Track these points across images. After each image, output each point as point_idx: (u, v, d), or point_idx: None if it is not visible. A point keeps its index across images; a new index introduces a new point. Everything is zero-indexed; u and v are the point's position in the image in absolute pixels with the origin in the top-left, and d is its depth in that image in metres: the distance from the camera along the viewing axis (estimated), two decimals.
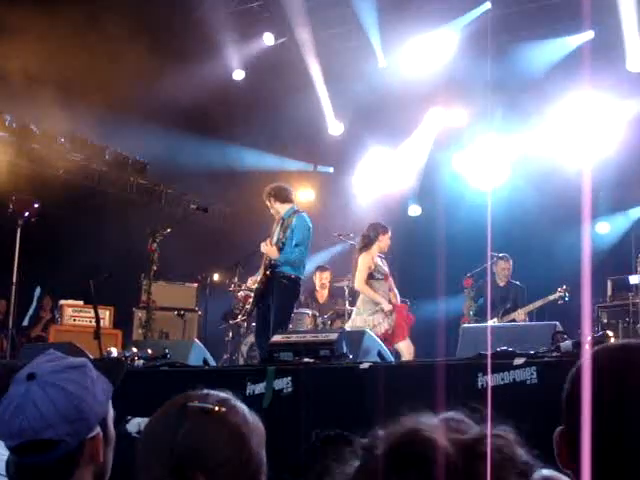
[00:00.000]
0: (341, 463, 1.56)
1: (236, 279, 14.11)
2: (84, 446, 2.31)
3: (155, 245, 10.88)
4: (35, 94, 13.68)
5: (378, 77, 15.86)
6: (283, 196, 10.95)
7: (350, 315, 12.96)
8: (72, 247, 14.59)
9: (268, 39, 16.38)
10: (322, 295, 14.40)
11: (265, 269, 10.72)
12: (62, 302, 13.72)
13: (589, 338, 6.40)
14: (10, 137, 15.16)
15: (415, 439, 1.47)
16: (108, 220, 15.72)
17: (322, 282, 14.40)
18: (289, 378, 7.46)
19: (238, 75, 16.82)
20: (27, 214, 11.76)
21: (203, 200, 16.02)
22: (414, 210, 16.88)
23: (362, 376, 7.17)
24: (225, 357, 14.14)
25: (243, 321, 13.72)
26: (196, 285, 15.04)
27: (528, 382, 6.36)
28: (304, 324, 13.16)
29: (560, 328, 7.51)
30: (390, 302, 10.94)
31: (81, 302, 13.52)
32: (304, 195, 17.97)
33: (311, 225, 10.76)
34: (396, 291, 11.25)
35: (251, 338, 13.22)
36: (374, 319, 10.80)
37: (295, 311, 11.89)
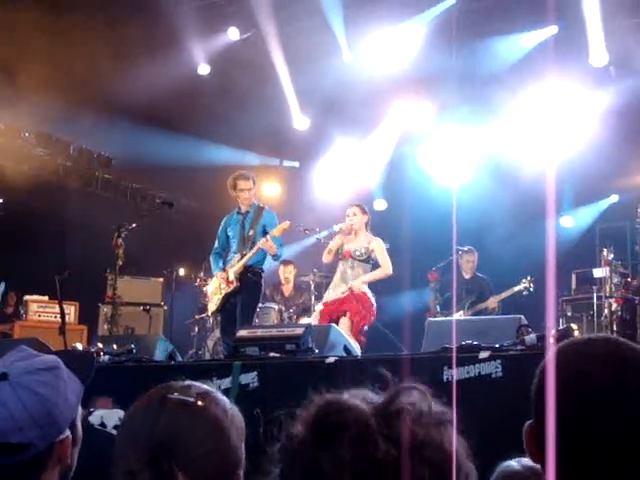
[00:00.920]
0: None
1: (202, 274, 14.10)
2: (53, 449, 2.29)
3: (120, 240, 10.81)
4: None
5: (344, 71, 15.85)
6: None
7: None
8: (37, 242, 14.53)
9: (233, 34, 16.32)
10: (288, 289, 14.41)
11: (243, 267, 10.70)
12: (27, 298, 13.66)
13: (553, 332, 6.45)
14: None
15: (331, 408, 1.53)
16: (73, 215, 15.67)
17: (286, 276, 14.41)
18: (255, 373, 7.47)
19: (203, 70, 16.75)
20: None
21: (168, 195, 16.01)
22: (380, 204, 16.90)
23: (328, 370, 7.18)
24: (191, 352, 14.14)
25: (208, 316, 13.72)
26: (162, 280, 15.01)
27: (493, 375, 6.40)
28: (270, 319, 13.16)
29: (525, 321, 7.55)
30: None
31: (46, 298, 13.46)
32: (270, 189, 17.98)
33: None
34: None
35: (217, 333, 13.23)
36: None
37: (261, 305, 11.89)
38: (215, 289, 10.89)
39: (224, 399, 2.30)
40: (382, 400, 1.52)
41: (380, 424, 1.47)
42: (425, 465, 1.45)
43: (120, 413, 3.59)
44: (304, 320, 12.66)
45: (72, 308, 13.42)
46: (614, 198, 15.67)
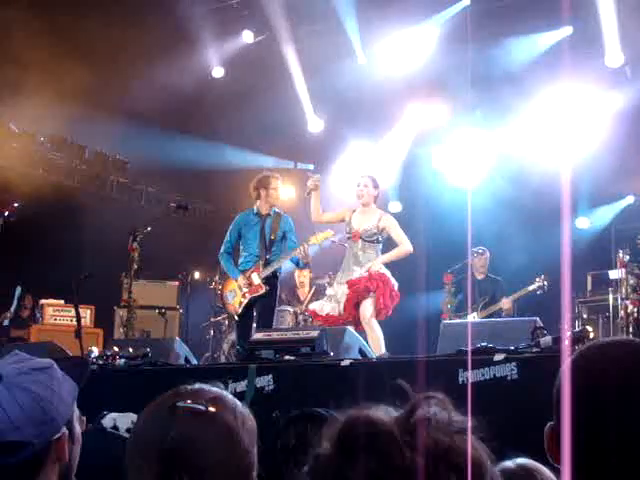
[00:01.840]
0: (306, 444, 1.59)
1: (217, 277, 14.10)
2: (50, 447, 2.31)
3: (136, 244, 10.85)
4: (14, 94, 13.63)
5: (358, 73, 15.86)
6: None
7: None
8: (52, 246, 14.55)
9: (247, 36, 16.35)
10: (303, 292, 14.39)
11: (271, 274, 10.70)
12: (43, 301, 13.72)
13: (569, 334, 6.44)
14: None
15: (355, 422, 1.51)
16: (88, 219, 15.69)
17: (301, 280, 14.37)
18: (270, 376, 7.48)
19: (217, 72, 16.78)
20: (7, 213, 11.70)
21: (183, 198, 16.03)
22: (394, 206, 16.88)
23: (343, 373, 7.18)
24: (207, 355, 14.14)
25: (224, 319, 13.73)
26: (177, 283, 15.04)
27: (508, 378, 6.39)
28: (285, 321, 13.16)
29: (540, 324, 7.53)
30: None
31: (62, 301, 13.51)
32: (284, 192, 17.95)
33: None
34: None
35: (233, 336, 13.22)
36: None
37: (276, 309, 11.88)
38: (235, 291, 10.80)
39: (235, 402, 2.27)
40: (404, 411, 1.53)
41: (404, 434, 1.47)
42: (452, 471, 1.46)
43: (133, 417, 3.59)
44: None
45: (88, 312, 13.48)
46: (630, 199, 15.58)
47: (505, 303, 12.68)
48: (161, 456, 2.11)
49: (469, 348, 6.99)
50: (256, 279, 10.57)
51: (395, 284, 10.20)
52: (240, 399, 2.31)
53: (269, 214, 10.80)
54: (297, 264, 11.18)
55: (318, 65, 16.01)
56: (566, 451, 1.61)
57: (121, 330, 13.13)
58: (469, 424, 1.53)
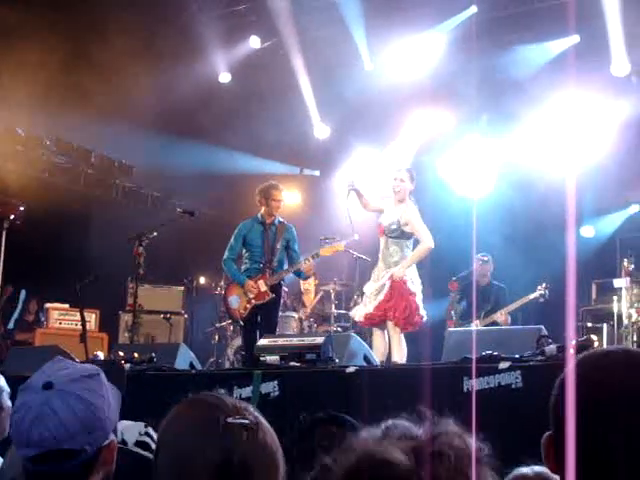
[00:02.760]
0: (330, 447, 1.57)
1: (222, 282, 14.10)
2: (100, 453, 2.33)
3: (141, 248, 10.84)
4: (20, 97, 13.65)
5: (364, 80, 15.86)
6: None
7: (336, 318, 13.02)
8: (58, 250, 14.57)
9: (254, 42, 16.37)
10: (308, 299, 14.38)
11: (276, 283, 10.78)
12: (48, 305, 13.72)
13: (573, 342, 6.43)
14: None
15: (371, 463, 1.48)
16: (94, 223, 15.71)
17: (306, 287, 14.37)
18: (275, 382, 7.48)
19: (224, 78, 16.81)
20: (12, 217, 11.71)
21: (189, 203, 16.02)
22: None
23: (348, 380, 7.19)
24: (211, 360, 14.14)
25: (229, 324, 13.73)
26: (182, 288, 15.04)
27: (513, 386, 6.40)
28: (290, 327, 13.16)
29: (545, 332, 7.53)
30: None
31: (67, 305, 13.51)
32: (290, 198, 17.97)
33: None
34: None
35: (237, 341, 13.23)
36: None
37: (281, 314, 11.87)
38: (240, 296, 10.81)
39: (260, 415, 2.26)
40: (421, 441, 1.51)
41: (421, 467, 1.46)
42: None
43: (140, 427, 3.52)
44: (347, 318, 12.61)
45: (93, 316, 13.48)
46: (635, 208, 15.58)
47: (500, 316, 12.57)
48: (219, 472, 2.09)
49: (474, 356, 6.99)
50: (263, 286, 10.61)
51: (416, 293, 9.98)
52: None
53: (273, 222, 10.85)
54: (299, 276, 11.32)
55: (325, 71, 16.03)
56: (570, 461, 1.62)
57: (126, 335, 13.16)
58: (473, 431, 1.53)
